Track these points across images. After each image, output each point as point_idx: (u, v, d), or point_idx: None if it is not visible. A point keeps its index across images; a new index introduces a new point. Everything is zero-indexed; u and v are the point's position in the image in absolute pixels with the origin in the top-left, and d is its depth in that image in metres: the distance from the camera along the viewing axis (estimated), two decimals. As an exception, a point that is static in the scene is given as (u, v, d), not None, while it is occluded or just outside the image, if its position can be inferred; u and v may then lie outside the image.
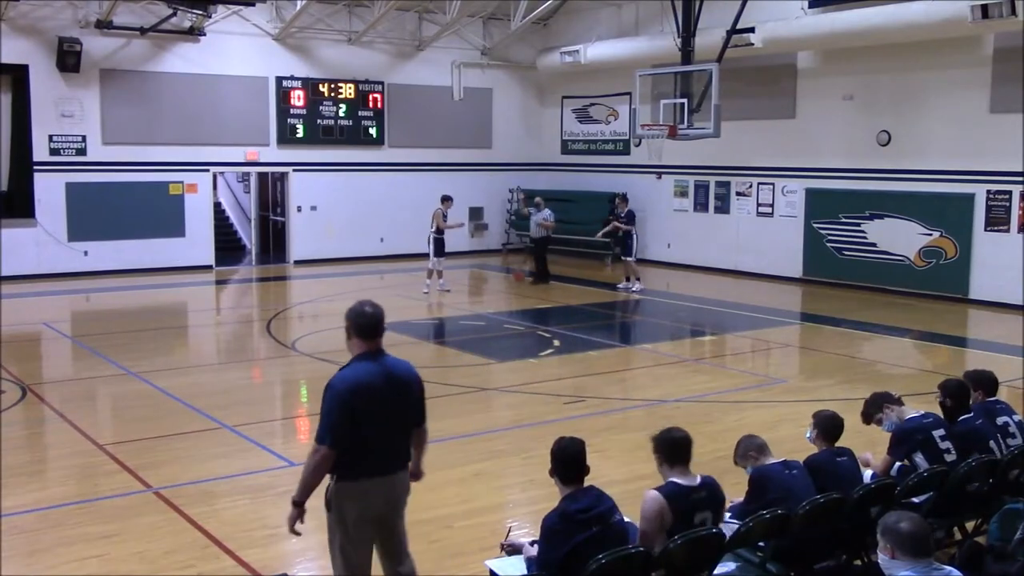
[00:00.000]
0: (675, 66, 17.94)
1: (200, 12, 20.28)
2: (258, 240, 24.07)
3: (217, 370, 12.77)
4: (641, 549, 4.65)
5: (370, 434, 4.80)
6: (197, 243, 21.81)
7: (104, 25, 20.06)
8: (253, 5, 20.67)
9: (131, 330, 15.26)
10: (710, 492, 4.97)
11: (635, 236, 19.34)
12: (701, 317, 17.11)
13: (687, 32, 17.74)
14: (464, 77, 24.65)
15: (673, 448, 5.00)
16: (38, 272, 19.72)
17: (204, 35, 21.24)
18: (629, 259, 19.22)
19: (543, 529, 4.67)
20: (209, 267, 21.96)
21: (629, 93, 21.39)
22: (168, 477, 8.10)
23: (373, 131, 23.67)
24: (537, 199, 20.57)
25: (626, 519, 5.00)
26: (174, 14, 20.06)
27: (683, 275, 21.66)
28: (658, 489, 4.88)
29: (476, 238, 25.34)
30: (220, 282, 21.14)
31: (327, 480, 4.90)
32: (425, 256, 18.73)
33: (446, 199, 18.74)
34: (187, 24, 20.90)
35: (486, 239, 25.43)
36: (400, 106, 23.93)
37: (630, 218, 19.45)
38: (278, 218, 24.24)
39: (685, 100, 17.52)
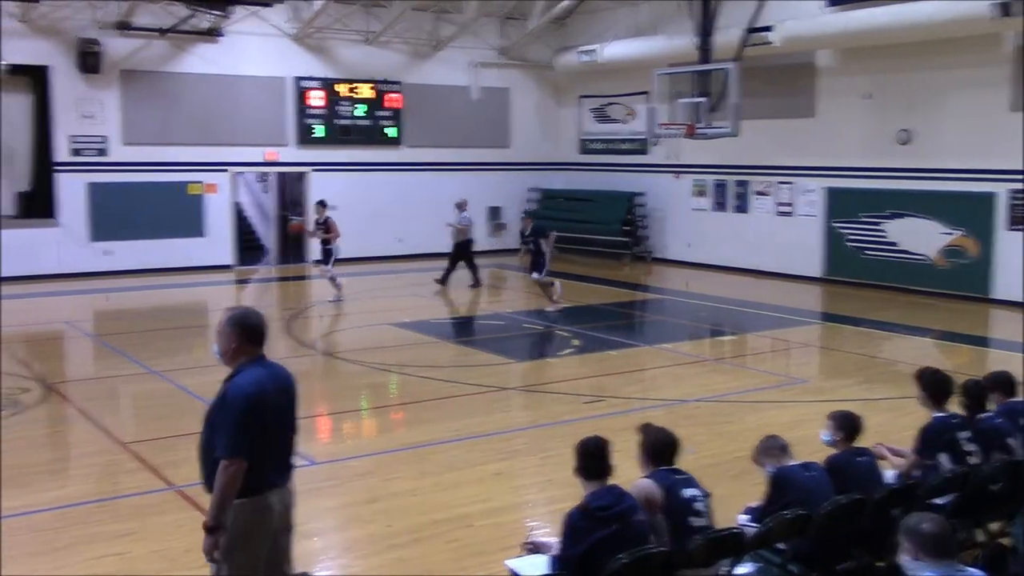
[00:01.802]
0: (693, 65, 17.90)
1: (218, 13, 20.38)
2: (277, 240, 24.14)
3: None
4: (662, 549, 4.65)
5: (270, 444, 4.63)
6: (217, 243, 21.91)
7: (123, 26, 20.18)
8: (271, 5, 20.75)
9: (152, 329, 15.34)
10: (693, 478, 5.20)
11: (546, 254, 16.80)
12: (720, 317, 17.05)
13: (705, 31, 17.71)
14: (481, 77, 24.67)
15: (662, 448, 5.24)
16: (60, 272, 19.84)
17: (223, 36, 21.33)
18: (536, 276, 16.85)
19: (564, 525, 4.69)
20: (229, 267, 22.06)
21: (647, 92, 21.36)
22: (189, 475, 8.09)
23: (391, 131, 23.71)
24: (459, 201, 19.94)
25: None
26: (193, 15, 20.16)
27: (702, 275, 21.59)
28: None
29: (495, 238, 25.33)
30: (240, 281, 21.21)
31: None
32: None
33: (320, 204, 17.99)
34: (206, 25, 20.99)
35: (504, 239, 25.41)
36: (417, 106, 23.96)
37: (538, 234, 16.99)
38: (297, 218, 24.28)
39: (703, 99, 17.47)
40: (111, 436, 9.31)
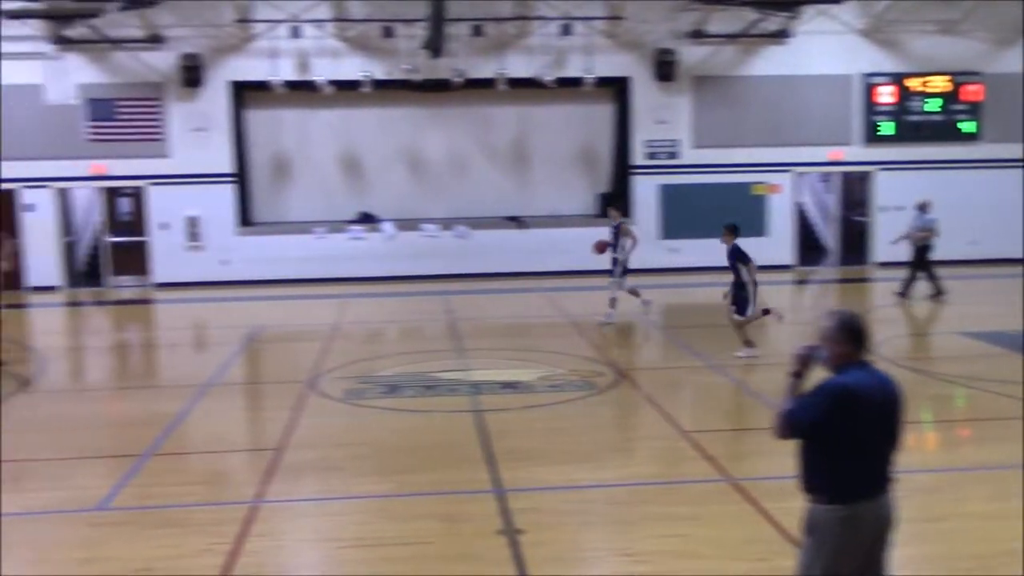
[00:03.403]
0: None
1: (788, 14, 20.56)
2: (840, 240, 23.67)
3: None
4: None
5: (864, 450, 4.46)
6: (778, 242, 22.12)
7: (697, 35, 21.21)
8: (840, 2, 20.38)
9: (714, 324, 15.87)
10: None
11: (748, 284, 12.74)
12: None
13: None
14: (1084, 60, 21.94)
15: None
16: (632, 267, 21.33)
17: (790, 37, 21.44)
18: (739, 317, 12.91)
19: None
20: (789, 267, 22.16)
21: None
22: (748, 469, 8.33)
23: (968, 125, 22.10)
24: (921, 202, 17.69)
25: None
26: (763, 19, 20.55)
27: None
28: None
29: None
30: (799, 282, 21.24)
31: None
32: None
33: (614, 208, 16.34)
34: (774, 27, 21.26)
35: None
36: (1000, 98, 21.99)
37: (737, 257, 12.83)
38: (860, 218, 23.63)
39: None
40: (673, 423, 9.85)
